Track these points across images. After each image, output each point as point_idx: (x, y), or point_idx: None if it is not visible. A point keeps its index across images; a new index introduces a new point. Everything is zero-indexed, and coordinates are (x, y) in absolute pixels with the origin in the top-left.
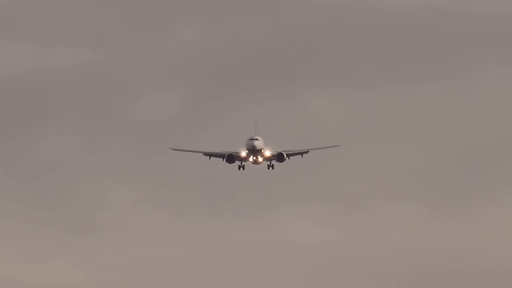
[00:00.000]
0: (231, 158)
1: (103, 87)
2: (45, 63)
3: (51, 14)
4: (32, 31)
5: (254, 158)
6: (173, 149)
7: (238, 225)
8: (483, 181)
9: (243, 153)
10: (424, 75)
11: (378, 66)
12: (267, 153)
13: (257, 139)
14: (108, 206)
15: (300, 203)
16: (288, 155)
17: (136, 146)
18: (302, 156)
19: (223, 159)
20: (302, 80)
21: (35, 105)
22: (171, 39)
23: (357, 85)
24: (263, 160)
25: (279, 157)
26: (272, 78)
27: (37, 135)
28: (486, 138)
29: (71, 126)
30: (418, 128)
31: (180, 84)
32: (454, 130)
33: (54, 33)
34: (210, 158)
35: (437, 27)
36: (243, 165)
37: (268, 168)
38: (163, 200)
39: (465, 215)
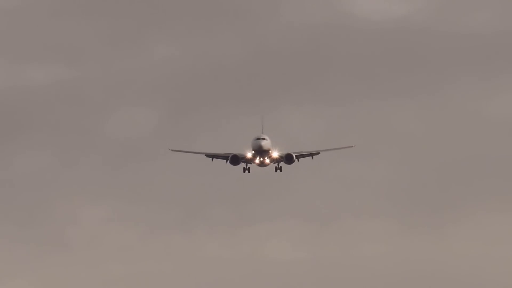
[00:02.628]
0: (235, 159)
1: (77, 104)
2: (19, 80)
3: (25, 31)
4: (5, 48)
5: (261, 159)
6: (172, 150)
7: (210, 241)
8: (457, 198)
9: (249, 154)
10: (398, 91)
11: (353, 83)
12: (275, 154)
13: (264, 139)
14: (80, 222)
15: (272, 219)
16: (297, 157)
17: (112, 162)
18: (312, 157)
19: (226, 161)
20: (277, 97)
21: (8, 122)
22: (146, 57)
23: (332, 102)
24: (270, 161)
25: (288, 158)
26: (246, 95)
27: (9, 152)
28: (461, 154)
29: (44, 143)
30: (393, 144)
31: (155, 101)
32: (428, 146)
33: (28, 50)
34: (212, 159)
35: (411, 44)
36: (249, 167)
37: (276, 171)
38: (145, 214)
39: (439, 232)
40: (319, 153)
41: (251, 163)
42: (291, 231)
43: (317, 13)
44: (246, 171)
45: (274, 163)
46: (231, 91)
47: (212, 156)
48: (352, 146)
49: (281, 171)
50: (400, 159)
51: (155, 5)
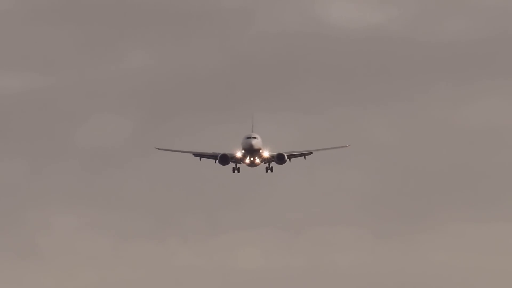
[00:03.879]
0: (224, 159)
1: (52, 112)
2: None
3: None
4: None
5: (251, 159)
6: (158, 149)
7: (185, 249)
8: (430, 206)
9: (239, 154)
10: (372, 99)
11: (327, 91)
12: (266, 153)
13: (255, 137)
14: (52, 230)
15: (245, 228)
16: (289, 157)
17: (86, 169)
18: (304, 157)
19: (215, 161)
20: (251, 104)
21: None
22: (120, 64)
23: (306, 109)
24: (261, 161)
25: (280, 158)
26: (222, 104)
27: None
28: (434, 163)
29: (17, 151)
30: (366, 152)
31: (129, 109)
32: (402, 154)
33: (1, 58)
34: (200, 159)
35: (386, 52)
36: (238, 168)
37: (267, 171)
38: (124, 222)
39: (411, 241)
40: (311, 153)
41: (241, 163)
42: (266, 240)
43: (292, 22)
44: (236, 171)
45: (265, 163)
46: (205, 99)
47: (200, 155)
48: (347, 146)
49: (272, 171)
50: (374, 167)
51: (130, 13)
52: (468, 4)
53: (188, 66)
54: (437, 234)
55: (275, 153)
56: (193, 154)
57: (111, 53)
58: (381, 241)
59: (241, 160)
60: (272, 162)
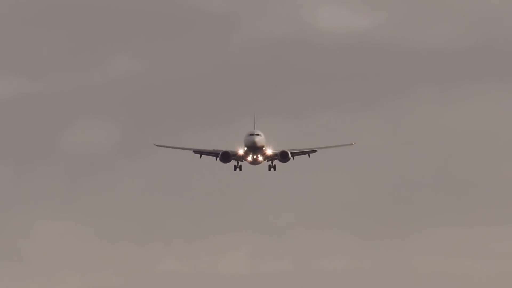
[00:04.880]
0: (226, 156)
1: (37, 118)
2: None
3: None
4: None
5: (254, 156)
6: (157, 145)
7: (170, 254)
8: (416, 212)
9: (241, 151)
10: (359, 104)
11: (314, 96)
12: (269, 151)
13: (258, 134)
14: (37, 236)
15: (230, 233)
16: (293, 154)
17: (71, 175)
18: (309, 155)
19: (216, 158)
20: (237, 110)
21: None
22: (106, 70)
23: (293, 115)
24: (264, 159)
25: (283, 156)
26: (209, 110)
27: None
28: (420, 168)
29: (2, 157)
30: (352, 157)
31: (115, 114)
32: (388, 159)
33: None
34: (201, 156)
35: (373, 58)
36: (240, 165)
37: (270, 169)
38: (113, 228)
39: (397, 246)
40: (316, 150)
41: (243, 161)
42: (253, 244)
43: (279, 27)
44: (238, 169)
45: (267, 161)
46: (190, 105)
47: (201, 152)
48: (352, 144)
49: (275, 169)
50: (360, 172)
51: (116, 19)
52: (454, 9)
53: (175, 72)
54: (423, 239)
55: (278, 150)
56: (193, 151)
57: (98, 59)
58: (367, 246)
59: (243, 158)
60: (275, 160)
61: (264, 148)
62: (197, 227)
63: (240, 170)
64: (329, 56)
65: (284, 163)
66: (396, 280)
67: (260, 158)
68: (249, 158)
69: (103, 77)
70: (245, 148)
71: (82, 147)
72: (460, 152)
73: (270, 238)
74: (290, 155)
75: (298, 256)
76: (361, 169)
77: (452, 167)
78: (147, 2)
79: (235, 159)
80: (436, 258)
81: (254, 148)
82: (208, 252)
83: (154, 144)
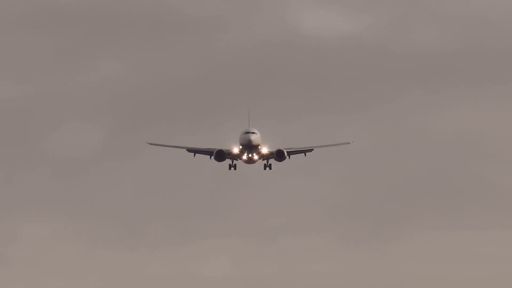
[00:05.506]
0: (220, 155)
1: (24, 121)
2: None
3: None
4: None
5: (249, 155)
6: (150, 144)
7: (156, 258)
8: (401, 215)
9: (236, 149)
10: (344, 107)
11: (300, 99)
12: (265, 150)
13: (254, 133)
14: (22, 239)
15: (214, 237)
16: (289, 153)
17: (58, 178)
18: (305, 154)
19: (210, 157)
20: (224, 114)
21: None
22: (94, 74)
23: (279, 117)
24: (259, 158)
25: (279, 155)
26: (197, 114)
27: None
28: (407, 170)
29: None
30: (338, 159)
31: (104, 117)
32: (373, 162)
33: None
34: (195, 155)
35: (359, 61)
36: (235, 164)
37: (265, 168)
38: (101, 231)
39: (382, 249)
40: (312, 149)
41: (237, 160)
42: (235, 249)
43: (265, 31)
44: (232, 168)
45: (263, 159)
46: (177, 108)
47: (195, 151)
48: (349, 143)
49: (270, 168)
50: (345, 174)
51: (103, 22)
52: (441, 13)
53: (163, 74)
54: (412, 242)
55: (274, 149)
56: (186, 150)
57: (85, 62)
58: (352, 249)
59: (238, 157)
60: (271, 159)
61: (259, 147)
62: (188, 229)
63: (235, 169)
64: (315, 59)
65: (280, 162)
66: (385, 284)
67: (256, 157)
68: (244, 156)
69: (91, 80)
70: (240, 147)
71: (71, 149)
72: (448, 155)
73: (260, 241)
74: (286, 154)
75: (289, 260)
76: (350, 172)
77: (440, 170)
78: (135, 5)
79: (230, 158)
80: (425, 261)
81: (249, 146)
82: (196, 255)
83: (147, 143)
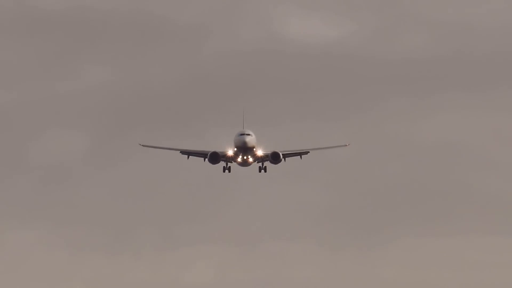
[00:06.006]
0: (215, 157)
1: (9, 128)
2: None
3: None
4: None
5: (244, 157)
6: (143, 146)
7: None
8: (384, 221)
9: (230, 152)
10: (330, 114)
11: (286, 106)
12: (260, 152)
13: (249, 134)
14: (6, 246)
15: (197, 243)
16: (284, 156)
17: (41, 185)
18: (301, 157)
19: (204, 159)
20: (207, 121)
21: None
22: (77, 80)
23: (264, 124)
24: (254, 160)
25: (274, 157)
26: (179, 121)
27: None
28: (386, 177)
29: None
30: (321, 166)
31: (85, 124)
32: (356, 169)
33: None
34: (188, 157)
35: (345, 67)
36: (229, 167)
37: (260, 171)
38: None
39: (364, 255)
40: (308, 152)
41: (232, 162)
42: (217, 255)
43: (250, 37)
44: (226, 171)
45: (258, 162)
46: (161, 115)
47: (189, 153)
48: (346, 145)
49: (265, 171)
50: (328, 181)
51: (88, 29)
52: (425, 20)
53: (146, 83)
54: (393, 249)
55: (269, 151)
56: (180, 152)
57: (69, 69)
58: (334, 256)
59: (232, 159)
60: (266, 162)
61: (254, 149)
62: (176, 235)
63: (229, 171)
64: (299, 66)
65: (275, 165)
66: None
67: (251, 159)
68: (239, 159)
69: (76, 86)
70: (235, 149)
71: (56, 156)
72: (433, 161)
73: (247, 247)
74: (281, 156)
75: (272, 265)
76: (335, 178)
77: (425, 176)
78: (119, 12)
79: (224, 160)
80: (410, 268)
81: (244, 148)
82: (182, 260)
83: (140, 144)
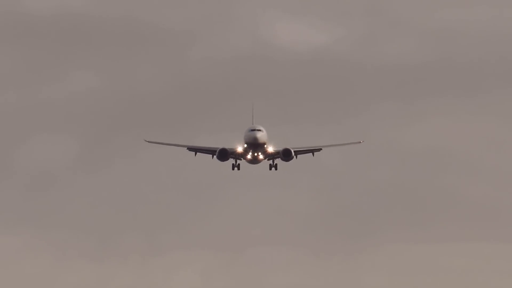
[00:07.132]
0: (224, 154)
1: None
2: None
3: None
4: None
5: (255, 154)
6: (148, 142)
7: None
8: (370, 227)
9: (240, 148)
10: (313, 120)
11: (273, 112)
12: (271, 148)
13: (260, 130)
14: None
15: (184, 248)
16: (296, 153)
17: (27, 190)
18: (313, 154)
19: (212, 156)
20: (196, 127)
21: None
22: (64, 85)
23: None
24: (265, 157)
25: (286, 154)
26: (167, 128)
27: None
28: (373, 182)
29: None
30: (307, 172)
31: (72, 129)
32: (343, 175)
33: None
34: (196, 154)
35: (333, 74)
36: (238, 164)
37: (270, 169)
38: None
39: (350, 261)
40: (321, 149)
41: (241, 159)
42: (204, 261)
43: (237, 44)
44: (236, 168)
45: (268, 159)
46: (149, 121)
47: (197, 149)
48: (360, 142)
49: (276, 169)
50: (314, 187)
51: (76, 35)
52: (413, 26)
53: (133, 89)
54: (380, 255)
55: (280, 148)
56: (187, 149)
57: (55, 74)
58: (320, 262)
59: (242, 156)
60: (277, 159)
61: (265, 146)
62: (174, 237)
63: (238, 169)
64: (287, 72)
65: (287, 162)
66: None
67: (261, 156)
68: (249, 156)
69: (60, 91)
70: (245, 145)
71: (47, 161)
72: (419, 167)
73: (234, 254)
74: (293, 153)
75: (258, 271)
76: (319, 182)
77: (410, 182)
78: (108, 19)
79: (233, 157)
80: (395, 274)
81: (255, 145)
82: (172, 264)
83: (145, 140)
